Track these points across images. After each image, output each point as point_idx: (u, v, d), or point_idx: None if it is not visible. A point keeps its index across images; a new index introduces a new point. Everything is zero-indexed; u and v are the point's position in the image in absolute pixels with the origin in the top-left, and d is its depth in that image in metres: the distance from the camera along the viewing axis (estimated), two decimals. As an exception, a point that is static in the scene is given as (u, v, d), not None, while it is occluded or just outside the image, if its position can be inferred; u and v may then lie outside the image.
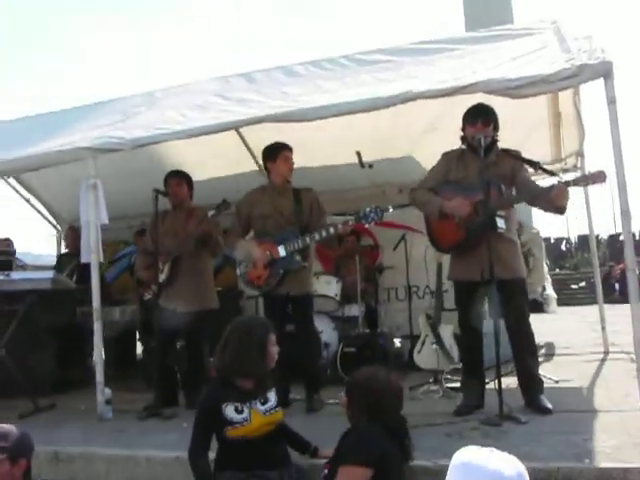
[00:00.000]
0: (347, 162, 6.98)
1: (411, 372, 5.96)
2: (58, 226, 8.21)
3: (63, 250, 8.06)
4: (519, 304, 4.49)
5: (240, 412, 3.19)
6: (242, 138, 6.96)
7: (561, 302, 15.16)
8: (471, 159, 4.53)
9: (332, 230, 4.90)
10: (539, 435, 3.79)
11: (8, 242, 7.78)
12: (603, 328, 6.76)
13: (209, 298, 5.37)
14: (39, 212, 8.00)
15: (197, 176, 7.37)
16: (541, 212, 4.74)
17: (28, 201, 7.73)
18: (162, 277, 5.21)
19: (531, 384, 4.50)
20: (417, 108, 5.33)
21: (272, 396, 3.34)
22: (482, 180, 4.29)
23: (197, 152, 6.95)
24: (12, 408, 5.32)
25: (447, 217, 4.51)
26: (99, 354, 4.90)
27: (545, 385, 5.21)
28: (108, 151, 4.89)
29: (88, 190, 4.92)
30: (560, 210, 4.34)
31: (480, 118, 4.50)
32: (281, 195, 5.21)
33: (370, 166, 6.98)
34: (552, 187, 4.20)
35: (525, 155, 6.50)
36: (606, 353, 6.66)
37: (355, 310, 6.53)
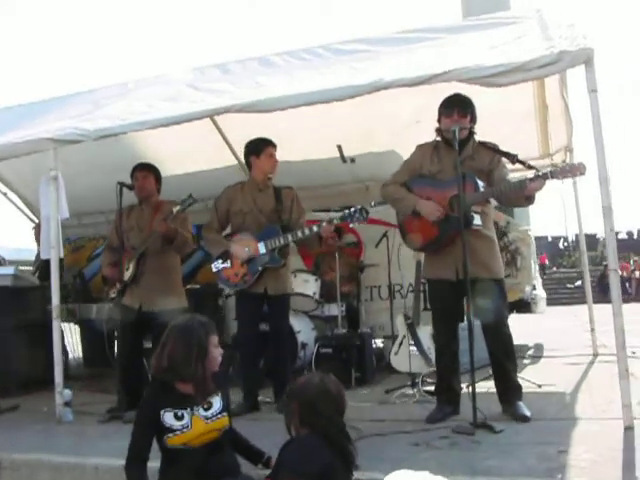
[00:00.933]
0: (328, 156, 6.75)
1: (391, 374, 5.72)
2: (36, 220, 7.94)
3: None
4: (496, 305, 4.19)
5: (180, 418, 2.93)
6: (220, 132, 6.68)
7: (558, 301, 14.89)
8: (446, 152, 4.24)
9: (315, 229, 4.67)
10: (511, 446, 3.51)
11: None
12: (592, 329, 6.47)
13: (176, 297, 5.09)
14: (16, 206, 7.73)
15: (176, 170, 7.17)
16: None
17: (5, 195, 7.47)
18: (127, 275, 4.95)
19: (509, 390, 4.22)
20: (399, 100, 5.07)
21: (217, 401, 3.05)
22: (457, 174, 4.01)
23: (177, 146, 6.71)
24: (-27, 410, 5.11)
25: (420, 214, 4.23)
26: (58, 354, 4.63)
27: (527, 390, 4.98)
28: (69, 142, 4.62)
29: (49, 183, 4.65)
30: (530, 199, 4.09)
31: (456, 109, 4.21)
32: (261, 192, 5.04)
33: (352, 160, 6.76)
34: (529, 180, 3.92)
35: (512, 151, 6.32)
36: (595, 355, 6.38)
37: (335, 309, 6.28)
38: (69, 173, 6.83)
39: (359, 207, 4.70)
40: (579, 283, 18.56)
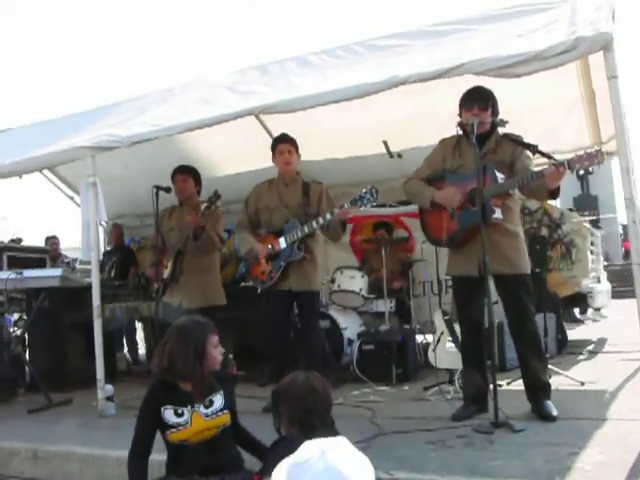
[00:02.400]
0: (375, 152, 6.71)
1: (435, 371, 5.63)
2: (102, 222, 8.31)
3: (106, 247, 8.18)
4: (521, 302, 4.05)
5: (180, 415, 3.01)
6: (267, 130, 6.76)
7: (629, 294, 14.22)
8: (467, 146, 4.13)
9: (328, 216, 4.64)
10: (524, 446, 3.41)
11: (54, 240, 7.96)
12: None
13: (214, 294, 5.22)
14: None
15: (226, 170, 7.33)
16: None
17: (72, 199, 7.82)
18: (166, 273, 5.11)
19: (536, 388, 4.08)
20: (442, 92, 5.00)
21: (218, 399, 3.11)
22: (476, 167, 3.91)
23: (226, 146, 6.86)
24: (31, 402, 5.41)
25: (440, 208, 4.15)
26: (99, 351, 4.83)
27: (569, 388, 4.83)
28: (105, 149, 4.81)
29: (87, 189, 4.86)
30: (553, 194, 3.93)
31: (477, 102, 4.11)
32: (288, 187, 5.04)
33: (399, 155, 6.70)
34: (546, 169, 3.78)
35: (561, 141, 6.10)
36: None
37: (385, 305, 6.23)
38: (128, 174, 7.19)
39: (369, 188, 4.61)
40: None
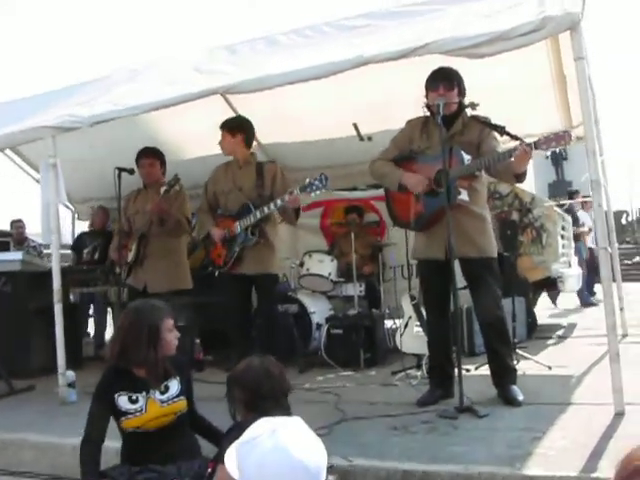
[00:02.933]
0: (345, 135, 6.62)
1: (404, 356, 5.58)
2: (69, 205, 8.12)
3: (84, 229, 8.01)
4: (488, 286, 4.01)
5: (134, 402, 2.91)
6: (235, 112, 6.63)
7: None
8: (434, 127, 4.06)
9: (279, 202, 4.60)
10: (488, 432, 3.39)
11: (19, 224, 7.79)
12: (621, 309, 6.12)
13: (179, 278, 5.13)
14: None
15: (195, 152, 7.20)
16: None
17: (38, 181, 7.63)
18: (130, 256, 5.00)
19: (502, 373, 4.07)
20: (410, 74, 4.91)
21: (174, 385, 3.01)
22: (442, 148, 3.84)
23: (194, 126, 6.70)
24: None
25: (407, 190, 4.08)
26: (60, 338, 4.72)
27: (536, 372, 4.81)
28: (66, 129, 4.67)
29: (48, 169, 4.72)
30: (519, 178, 3.89)
31: (442, 82, 4.04)
32: (242, 169, 4.97)
33: (369, 139, 6.60)
34: (512, 150, 3.72)
35: (532, 125, 6.04)
36: (624, 336, 6.04)
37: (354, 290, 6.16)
38: (94, 157, 7.01)
39: (319, 174, 4.59)
40: (638, 259, 17.61)
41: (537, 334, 6.58)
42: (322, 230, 7.38)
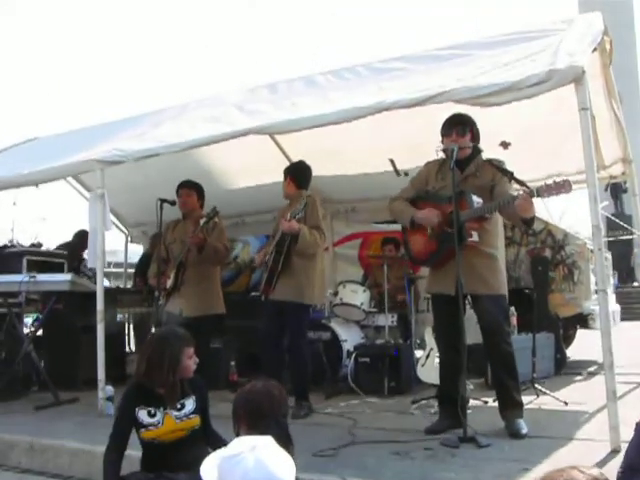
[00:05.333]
0: (382, 170, 6.92)
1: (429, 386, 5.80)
2: (123, 228, 8.66)
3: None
4: (496, 322, 4.23)
5: (153, 416, 3.27)
6: (279, 146, 7.04)
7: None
8: (449, 170, 4.32)
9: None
10: (483, 461, 3.59)
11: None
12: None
13: (212, 303, 5.51)
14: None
15: (240, 184, 7.63)
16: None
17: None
18: (168, 283, 5.40)
19: (508, 407, 4.24)
20: (444, 113, 5.21)
21: (190, 403, 3.36)
22: (453, 192, 4.11)
23: (242, 160, 7.14)
24: (41, 400, 5.75)
25: (420, 228, 4.36)
26: (101, 355, 5.13)
27: (552, 407, 4.96)
28: (113, 163, 5.12)
29: (96, 200, 5.18)
30: (527, 222, 4.10)
31: (455, 129, 4.34)
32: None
33: (406, 174, 6.84)
34: (515, 197, 3.96)
35: (565, 164, 6.23)
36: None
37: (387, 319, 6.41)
38: (149, 184, 7.51)
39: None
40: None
41: (567, 370, 6.68)
42: (360, 260, 7.70)
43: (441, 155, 4.44)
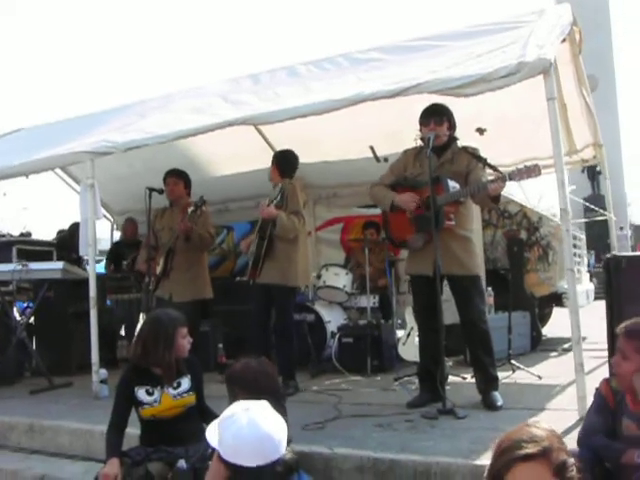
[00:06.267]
0: (363, 156, 7.13)
1: (410, 364, 6.07)
2: (109, 216, 8.83)
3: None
4: (472, 301, 4.51)
5: (151, 394, 3.49)
6: (262, 135, 7.24)
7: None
8: (426, 157, 4.56)
9: None
10: (460, 431, 3.86)
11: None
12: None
13: (201, 288, 5.74)
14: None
15: (225, 171, 7.83)
16: None
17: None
18: (158, 269, 5.62)
19: (485, 381, 4.53)
20: (421, 101, 5.44)
21: (186, 382, 3.59)
22: (429, 178, 4.36)
23: (226, 148, 7.32)
24: (35, 385, 5.96)
25: (400, 212, 4.61)
26: (94, 339, 5.35)
27: (527, 382, 5.26)
28: (102, 154, 5.31)
29: (86, 189, 5.37)
30: (495, 200, 4.42)
31: (432, 118, 4.58)
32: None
33: (385, 160, 7.08)
34: (489, 182, 4.25)
35: (539, 149, 6.50)
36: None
37: (369, 301, 6.63)
38: (133, 173, 7.69)
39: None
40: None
41: (543, 347, 7.00)
42: (342, 244, 7.95)
43: (420, 143, 4.68)
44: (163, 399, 3.50)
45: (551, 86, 4.06)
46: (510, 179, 4.15)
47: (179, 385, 3.57)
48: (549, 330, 8.16)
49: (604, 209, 11.27)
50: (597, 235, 18.38)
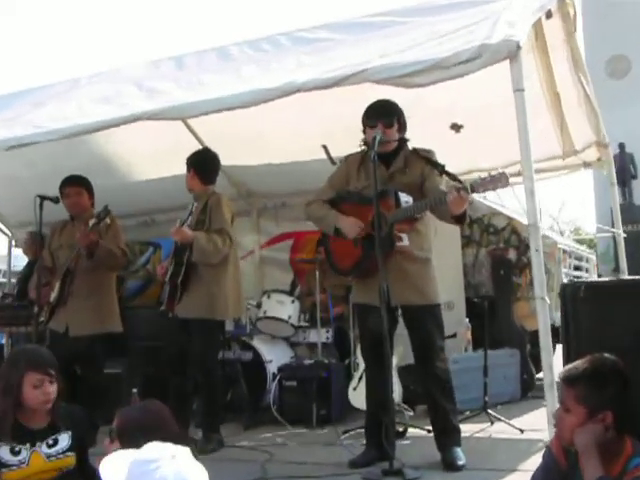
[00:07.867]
0: (315, 158, 7.18)
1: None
2: (5, 230, 8.76)
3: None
4: (428, 335, 4.58)
5: (17, 453, 3.41)
6: (193, 132, 7.29)
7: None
8: (371, 162, 4.57)
9: None
10: (403, 496, 3.92)
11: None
12: None
13: (106, 319, 5.76)
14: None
15: (151, 174, 7.83)
16: None
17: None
18: (52, 296, 5.62)
19: (444, 433, 4.58)
20: (387, 88, 5.52)
21: (64, 439, 3.53)
22: (380, 189, 4.42)
23: (152, 146, 7.33)
24: None
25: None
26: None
27: (505, 436, 5.32)
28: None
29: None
30: (458, 219, 4.44)
31: (380, 120, 4.63)
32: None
33: (341, 162, 7.17)
34: (446, 193, 4.27)
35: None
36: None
37: (321, 335, 6.67)
38: (33, 176, 7.65)
39: None
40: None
41: (537, 392, 7.04)
42: (291, 265, 7.95)
43: (364, 147, 4.73)
44: (32, 460, 3.43)
45: (519, 74, 4.12)
46: (473, 191, 4.21)
47: (55, 442, 3.51)
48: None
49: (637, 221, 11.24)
50: (629, 254, 18.40)
